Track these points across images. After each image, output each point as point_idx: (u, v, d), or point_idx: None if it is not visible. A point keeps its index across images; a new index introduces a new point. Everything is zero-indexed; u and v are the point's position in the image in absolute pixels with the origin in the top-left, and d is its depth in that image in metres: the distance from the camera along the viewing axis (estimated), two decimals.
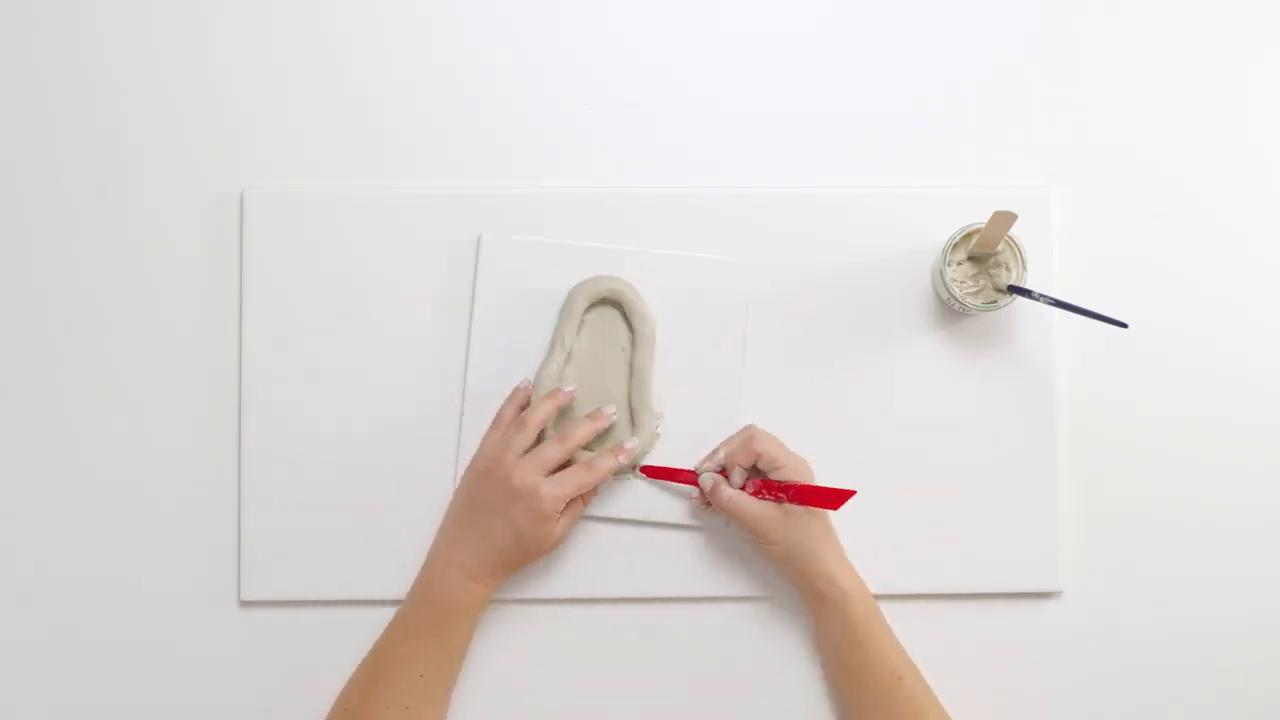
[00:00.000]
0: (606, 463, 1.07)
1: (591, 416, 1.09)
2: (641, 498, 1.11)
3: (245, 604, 1.12)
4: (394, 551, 1.10)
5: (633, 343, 1.11)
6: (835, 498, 1.05)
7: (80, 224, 1.13)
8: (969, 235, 1.08)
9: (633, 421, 1.11)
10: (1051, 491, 1.12)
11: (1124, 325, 1.03)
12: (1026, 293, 1.06)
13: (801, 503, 1.06)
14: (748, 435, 1.08)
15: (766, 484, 1.07)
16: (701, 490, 1.09)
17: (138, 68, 1.14)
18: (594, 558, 1.11)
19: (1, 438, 1.12)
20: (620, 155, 1.15)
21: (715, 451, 1.10)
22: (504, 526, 1.05)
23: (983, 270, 1.09)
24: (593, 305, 1.12)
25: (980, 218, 1.06)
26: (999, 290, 1.08)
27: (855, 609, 1.05)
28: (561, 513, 1.06)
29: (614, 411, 1.10)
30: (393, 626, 1.07)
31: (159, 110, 1.14)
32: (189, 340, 1.13)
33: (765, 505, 1.06)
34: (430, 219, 1.13)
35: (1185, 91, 1.16)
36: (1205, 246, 1.15)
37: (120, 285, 1.13)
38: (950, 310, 1.12)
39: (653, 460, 1.11)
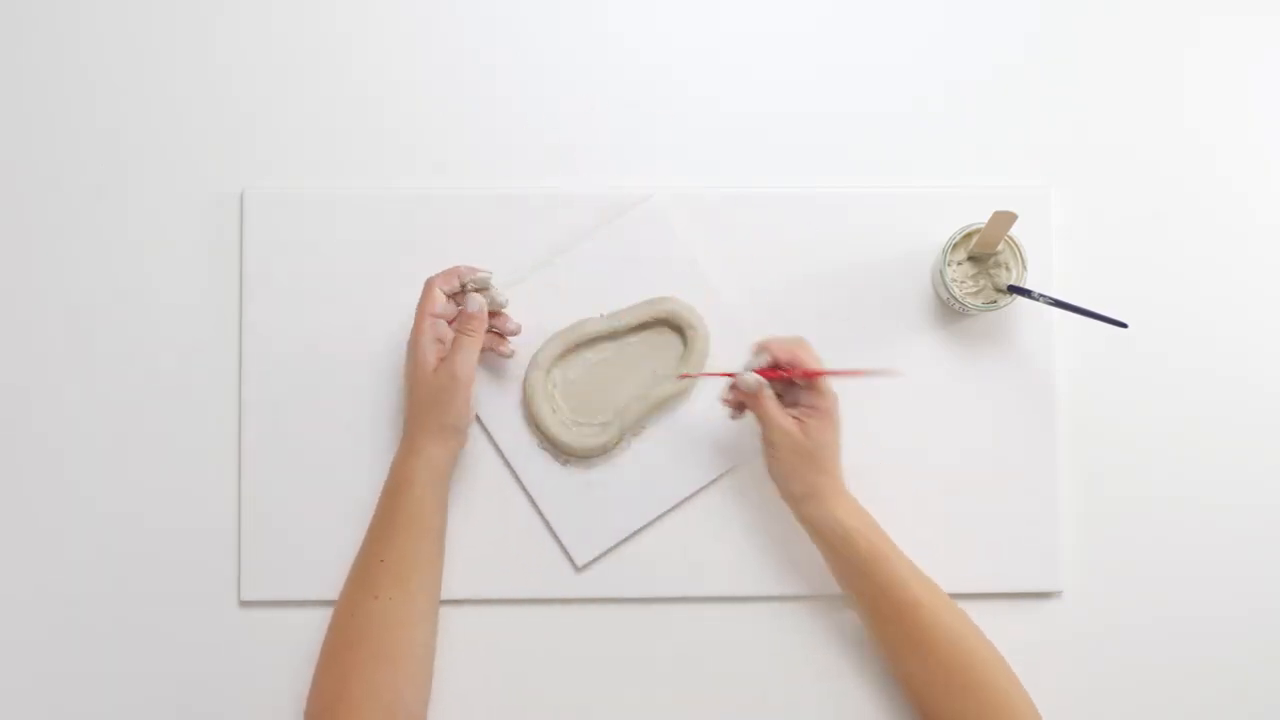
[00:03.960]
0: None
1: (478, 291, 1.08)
2: (646, 499, 1.12)
3: (245, 604, 1.11)
4: None
5: (681, 361, 1.11)
6: (846, 374, 1.01)
7: (80, 224, 1.13)
8: (969, 235, 1.08)
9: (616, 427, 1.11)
10: (1051, 491, 1.12)
11: (1124, 325, 1.03)
12: (1026, 293, 1.06)
13: (808, 378, 1.03)
14: (796, 338, 1.06)
15: (772, 371, 1.04)
16: (736, 390, 1.06)
17: (138, 68, 1.14)
18: (599, 558, 1.12)
19: (1, 438, 1.12)
20: (620, 155, 1.15)
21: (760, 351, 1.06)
22: (405, 381, 1.08)
23: (983, 270, 1.09)
24: (653, 323, 1.12)
25: (980, 218, 1.06)
26: (999, 290, 1.08)
27: (859, 545, 1.04)
28: (444, 342, 1.06)
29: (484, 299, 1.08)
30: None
31: (159, 110, 1.14)
32: (189, 340, 1.13)
33: (788, 418, 1.04)
34: (429, 219, 1.13)
35: (1185, 91, 1.16)
36: (1205, 246, 1.15)
37: (120, 285, 1.13)
38: (950, 310, 1.12)
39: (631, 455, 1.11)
